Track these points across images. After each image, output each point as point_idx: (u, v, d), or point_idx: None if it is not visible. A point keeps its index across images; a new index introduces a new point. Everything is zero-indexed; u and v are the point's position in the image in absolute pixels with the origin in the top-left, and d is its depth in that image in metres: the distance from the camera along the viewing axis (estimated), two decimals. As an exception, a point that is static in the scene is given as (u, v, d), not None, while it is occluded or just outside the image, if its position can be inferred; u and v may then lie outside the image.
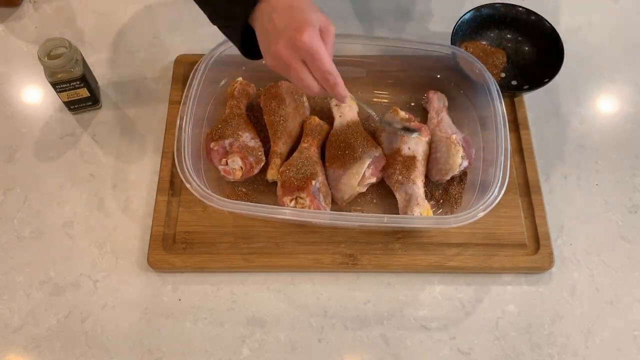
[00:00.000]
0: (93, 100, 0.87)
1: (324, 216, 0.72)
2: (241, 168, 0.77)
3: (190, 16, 0.99)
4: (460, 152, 0.76)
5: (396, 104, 0.86)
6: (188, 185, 0.72)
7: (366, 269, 0.76)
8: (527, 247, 0.77)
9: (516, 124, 0.86)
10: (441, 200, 0.80)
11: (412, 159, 0.77)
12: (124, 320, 0.74)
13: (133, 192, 0.82)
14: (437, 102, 0.84)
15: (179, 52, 0.92)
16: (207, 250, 0.77)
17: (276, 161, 0.79)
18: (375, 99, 0.88)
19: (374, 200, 0.80)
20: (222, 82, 0.87)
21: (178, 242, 0.77)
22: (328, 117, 0.83)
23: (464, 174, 0.81)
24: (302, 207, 0.73)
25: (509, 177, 0.81)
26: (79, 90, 0.84)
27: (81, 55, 0.83)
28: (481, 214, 0.70)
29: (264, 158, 0.79)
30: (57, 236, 0.79)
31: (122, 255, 0.78)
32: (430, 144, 0.80)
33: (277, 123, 0.81)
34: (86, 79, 0.83)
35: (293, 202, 0.74)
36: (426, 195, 0.78)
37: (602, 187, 0.83)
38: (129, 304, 0.75)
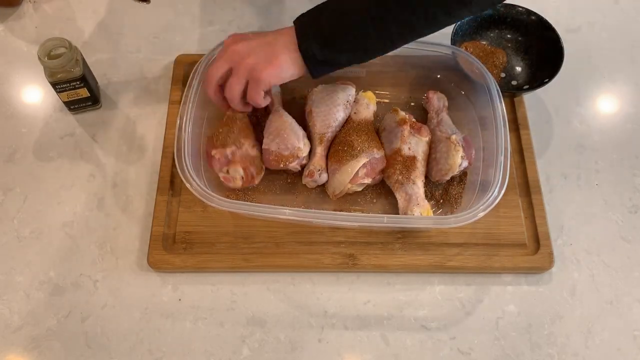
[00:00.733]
0: (93, 100, 0.87)
1: (324, 216, 0.72)
2: (242, 178, 0.77)
3: (190, 16, 0.99)
4: (460, 153, 0.76)
5: (396, 104, 0.86)
6: (188, 185, 0.72)
7: (366, 269, 0.76)
8: (527, 247, 0.77)
9: (516, 124, 0.86)
10: (441, 200, 0.80)
11: (412, 159, 0.77)
12: (124, 320, 0.74)
13: (133, 192, 0.82)
14: (437, 102, 0.84)
15: (179, 52, 0.92)
16: (207, 250, 0.77)
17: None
18: (377, 99, 0.87)
19: (374, 200, 0.80)
20: None
21: (178, 242, 0.78)
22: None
23: (464, 174, 0.81)
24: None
25: (509, 177, 0.81)
26: (79, 90, 0.84)
27: (81, 55, 0.83)
28: (481, 214, 0.70)
29: (264, 167, 0.79)
30: (57, 236, 0.79)
31: (122, 255, 0.78)
32: (430, 144, 0.80)
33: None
34: (86, 79, 0.83)
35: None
36: (426, 195, 0.78)
37: (602, 187, 0.83)
38: (129, 304, 0.75)
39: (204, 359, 0.72)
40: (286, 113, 0.81)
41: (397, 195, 0.77)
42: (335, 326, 0.74)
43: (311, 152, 0.80)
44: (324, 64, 0.70)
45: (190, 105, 0.77)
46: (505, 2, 0.76)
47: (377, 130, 0.83)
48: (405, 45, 0.82)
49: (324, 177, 0.78)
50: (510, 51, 0.93)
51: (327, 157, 0.80)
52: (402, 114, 0.80)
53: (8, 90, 0.92)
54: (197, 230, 0.78)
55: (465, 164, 0.77)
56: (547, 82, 0.84)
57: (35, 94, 0.91)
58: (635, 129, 0.89)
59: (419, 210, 0.75)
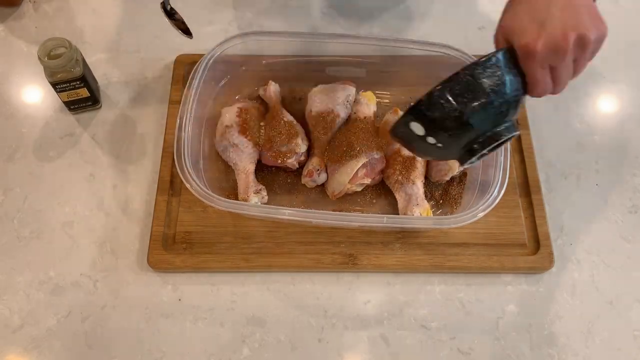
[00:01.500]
0: (93, 100, 0.87)
1: (324, 216, 0.72)
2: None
3: (191, 16, 0.99)
4: None
5: (397, 104, 0.86)
6: (188, 186, 0.72)
7: (366, 269, 0.76)
8: (527, 247, 0.77)
9: (516, 124, 0.86)
10: (441, 201, 0.80)
11: (412, 159, 0.77)
12: (124, 320, 0.74)
13: (133, 192, 0.82)
14: None
15: (179, 52, 0.92)
16: (207, 250, 0.77)
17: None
18: (377, 99, 0.88)
19: (374, 201, 0.80)
20: (222, 82, 0.87)
21: (178, 242, 0.78)
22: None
23: (463, 174, 0.81)
24: None
25: (509, 177, 0.81)
26: (79, 90, 0.84)
27: (81, 55, 0.83)
28: (481, 214, 0.70)
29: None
30: (57, 236, 0.79)
31: (122, 255, 0.78)
32: None
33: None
34: (86, 79, 0.83)
35: None
36: (426, 196, 0.78)
37: (602, 187, 0.83)
38: (129, 304, 0.75)
39: (204, 359, 0.72)
40: (284, 110, 0.82)
41: (397, 196, 0.77)
42: (335, 326, 0.74)
43: (310, 152, 0.81)
44: None
45: (190, 105, 0.77)
46: None
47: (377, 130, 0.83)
48: (406, 45, 0.82)
49: (323, 176, 0.79)
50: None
51: (326, 157, 0.80)
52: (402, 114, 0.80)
53: (8, 90, 0.92)
54: (197, 230, 0.78)
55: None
56: None
57: (35, 94, 0.91)
58: (635, 129, 0.89)
59: (419, 211, 0.75)
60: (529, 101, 0.88)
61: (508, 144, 0.75)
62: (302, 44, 0.85)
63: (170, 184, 0.81)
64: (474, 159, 0.62)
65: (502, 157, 0.74)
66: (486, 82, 0.58)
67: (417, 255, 0.76)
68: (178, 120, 0.76)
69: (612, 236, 0.80)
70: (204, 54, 0.81)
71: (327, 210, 0.76)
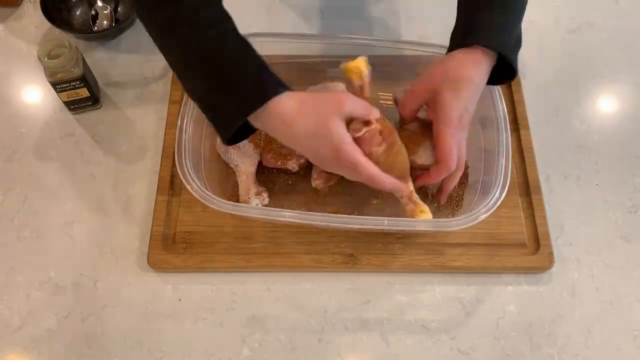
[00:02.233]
0: (93, 100, 0.87)
1: (324, 219, 0.71)
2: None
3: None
4: None
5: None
6: (188, 187, 0.71)
7: (366, 269, 0.76)
8: (527, 247, 0.77)
9: (516, 124, 0.86)
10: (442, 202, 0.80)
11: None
12: (124, 320, 0.74)
13: (133, 192, 0.82)
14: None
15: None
16: (207, 250, 0.77)
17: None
18: (381, 101, 0.88)
19: (374, 202, 0.80)
20: None
21: (178, 242, 0.78)
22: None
23: (464, 175, 0.80)
24: None
25: (509, 177, 0.81)
26: (79, 90, 0.84)
27: (81, 55, 0.83)
28: (482, 217, 0.70)
29: None
30: (57, 236, 0.79)
31: (122, 256, 0.78)
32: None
33: None
34: (86, 79, 0.83)
35: None
36: (426, 197, 0.78)
37: (602, 187, 0.83)
38: (129, 304, 0.75)
39: (204, 359, 0.72)
40: None
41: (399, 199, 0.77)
42: (335, 326, 0.74)
43: None
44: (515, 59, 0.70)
45: (191, 106, 0.77)
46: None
47: None
48: (406, 47, 0.82)
49: (334, 178, 0.78)
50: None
51: None
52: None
53: (8, 90, 0.92)
54: (197, 230, 0.78)
55: None
56: None
57: (35, 94, 0.91)
58: (635, 129, 0.89)
59: (418, 212, 0.74)
60: (529, 100, 0.89)
61: (509, 147, 0.75)
62: (303, 45, 0.85)
63: (170, 184, 0.80)
64: None
65: (503, 160, 0.73)
66: None
67: (418, 256, 0.76)
68: (179, 121, 0.76)
69: (612, 236, 0.80)
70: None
71: (328, 212, 0.76)
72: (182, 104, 0.77)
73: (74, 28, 0.96)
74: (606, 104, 0.92)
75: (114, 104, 0.90)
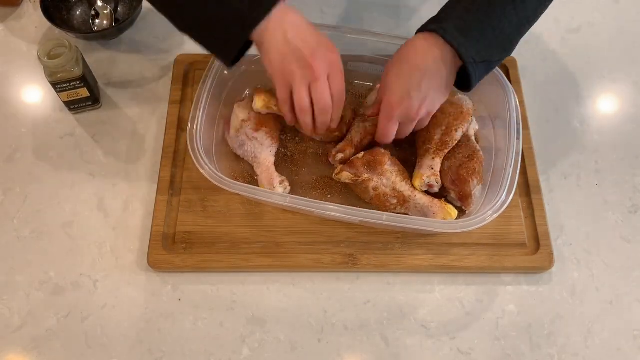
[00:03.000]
0: (93, 100, 0.87)
1: (324, 207, 0.71)
2: None
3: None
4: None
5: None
6: (203, 171, 0.72)
7: (366, 269, 0.76)
8: (527, 247, 0.77)
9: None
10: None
11: (394, 190, 0.77)
12: (124, 320, 0.74)
13: (133, 192, 0.82)
14: None
15: (178, 52, 0.92)
16: (207, 250, 0.77)
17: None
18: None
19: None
20: (230, 83, 0.85)
21: (178, 242, 0.78)
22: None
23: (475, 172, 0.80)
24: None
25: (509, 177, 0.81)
26: (79, 90, 0.84)
27: (81, 55, 0.83)
28: (489, 219, 0.70)
29: None
30: (57, 236, 0.79)
31: (122, 255, 0.78)
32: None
33: None
34: (86, 79, 0.83)
35: None
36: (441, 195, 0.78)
37: (602, 187, 0.83)
38: (129, 304, 0.75)
39: (204, 359, 0.72)
40: None
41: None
42: (335, 326, 0.74)
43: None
44: (481, 68, 0.69)
45: (205, 98, 0.78)
46: None
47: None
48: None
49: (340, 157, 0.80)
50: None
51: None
52: (346, 176, 0.77)
53: (8, 90, 0.92)
54: (197, 230, 0.78)
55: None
56: None
57: (35, 94, 0.91)
58: (635, 129, 0.89)
59: (440, 217, 0.74)
60: (529, 100, 0.89)
61: (520, 148, 0.75)
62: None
63: (170, 184, 0.81)
64: None
65: (513, 162, 0.73)
66: None
67: (418, 255, 0.76)
68: (192, 112, 0.76)
69: (612, 236, 0.80)
70: (204, 53, 0.80)
71: (330, 203, 0.75)
72: (201, 83, 0.78)
73: (74, 28, 0.96)
74: (606, 104, 0.92)
75: (114, 104, 0.90)
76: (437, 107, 0.73)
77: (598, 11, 1.01)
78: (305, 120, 0.71)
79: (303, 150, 0.84)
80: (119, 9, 0.98)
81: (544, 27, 0.99)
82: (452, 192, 0.77)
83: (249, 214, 0.79)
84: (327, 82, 0.69)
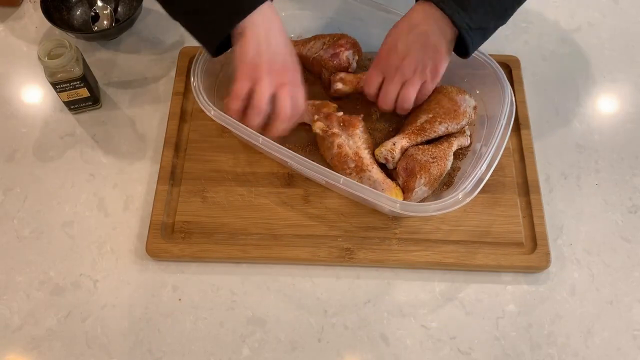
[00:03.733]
0: (93, 100, 0.87)
1: (292, 157, 0.72)
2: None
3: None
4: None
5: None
6: (209, 114, 0.75)
7: (362, 263, 0.76)
8: (525, 246, 0.77)
9: (517, 124, 0.86)
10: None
11: (355, 154, 0.77)
12: (124, 320, 0.74)
13: (133, 192, 0.82)
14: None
15: (178, 52, 0.92)
16: (206, 240, 0.77)
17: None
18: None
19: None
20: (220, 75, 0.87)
21: (177, 232, 0.78)
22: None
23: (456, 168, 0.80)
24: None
25: (508, 177, 0.81)
26: (79, 90, 0.84)
27: (81, 55, 0.83)
28: (432, 213, 0.70)
29: None
30: (57, 236, 0.79)
31: (122, 255, 0.78)
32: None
33: None
34: (86, 79, 0.83)
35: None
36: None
37: (602, 187, 0.83)
38: (129, 304, 0.75)
39: (204, 359, 0.72)
40: None
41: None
42: (335, 326, 0.74)
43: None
44: (477, 34, 0.71)
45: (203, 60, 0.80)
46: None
47: None
48: None
49: (339, 87, 0.84)
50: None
51: None
52: (319, 125, 0.79)
53: (8, 90, 0.92)
54: (196, 220, 0.79)
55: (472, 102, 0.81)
56: None
57: (35, 94, 0.91)
58: (635, 129, 0.89)
59: (388, 193, 0.74)
60: (529, 100, 0.89)
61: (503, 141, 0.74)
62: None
63: (171, 174, 0.81)
64: None
65: (490, 155, 0.73)
66: None
67: (414, 252, 0.76)
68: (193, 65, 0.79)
69: (612, 236, 0.80)
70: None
71: (304, 157, 0.74)
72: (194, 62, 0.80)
73: (74, 28, 0.96)
74: (606, 104, 0.92)
75: (114, 104, 0.90)
76: (427, 68, 0.74)
77: (598, 11, 1.01)
78: (256, 120, 0.73)
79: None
80: (119, 9, 0.98)
81: (544, 27, 0.99)
82: (399, 178, 0.78)
83: (248, 206, 0.80)
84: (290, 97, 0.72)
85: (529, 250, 0.77)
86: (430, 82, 0.76)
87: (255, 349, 0.72)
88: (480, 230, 0.78)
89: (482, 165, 0.72)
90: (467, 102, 0.80)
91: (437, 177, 0.77)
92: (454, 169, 0.81)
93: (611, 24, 1.00)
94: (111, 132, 0.87)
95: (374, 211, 0.79)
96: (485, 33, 0.72)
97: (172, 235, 0.78)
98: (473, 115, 0.81)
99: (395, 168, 0.78)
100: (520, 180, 0.82)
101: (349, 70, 0.86)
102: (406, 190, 0.76)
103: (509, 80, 0.84)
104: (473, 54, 0.75)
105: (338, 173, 0.73)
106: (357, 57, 0.87)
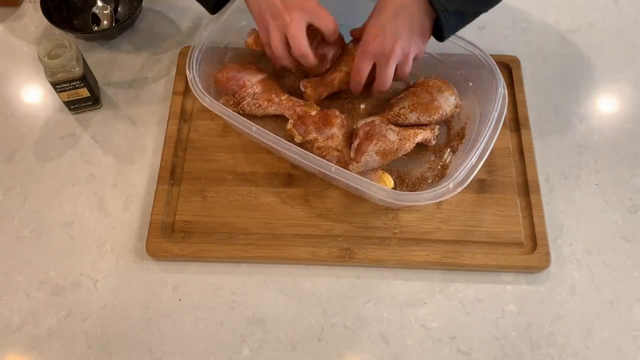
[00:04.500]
0: (93, 100, 0.87)
1: (284, 145, 0.72)
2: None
3: (191, 16, 0.99)
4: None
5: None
6: (204, 103, 0.75)
7: (362, 263, 0.76)
8: (524, 246, 0.77)
9: (517, 124, 0.86)
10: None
11: (335, 148, 0.78)
12: (124, 320, 0.74)
13: (133, 191, 0.82)
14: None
15: (178, 52, 0.92)
16: (205, 239, 0.77)
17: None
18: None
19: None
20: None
21: (177, 231, 0.78)
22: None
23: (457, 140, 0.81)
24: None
25: (508, 177, 0.82)
26: (79, 90, 0.84)
27: (81, 55, 0.83)
28: (423, 202, 0.70)
29: None
30: (57, 236, 0.79)
31: (122, 255, 0.78)
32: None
33: None
34: (86, 79, 0.83)
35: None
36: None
37: (602, 187, 0.83)
38: (129, 304, 0.75)
39: (204, 359, 0.72)
40: None
41: None
42: (335, 326, 0.74)
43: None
44: (453, 17, 0.71)
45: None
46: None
47: None
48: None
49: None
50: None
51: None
52: (296, 137, 0.79)
53: (8, 90, 0.92)
54: (196, 219, 0.79)
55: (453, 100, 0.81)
56: None
57: (35, 94, 0.91)
58: (635, 129, 0.89)
59: (377, 182, 0.75)
60: (529, 100, 0.89)
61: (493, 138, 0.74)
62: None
63: (171, 174, 0.81)
64: None
65: (479, 150, 0.72)
66: None
67: (413, 251, 0.76)
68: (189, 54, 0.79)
69: (612, 236, 0.80)
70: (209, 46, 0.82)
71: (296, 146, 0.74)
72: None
73: (74, 28, 0.96)
74: (606, 104, 0.92)
75: (114, 104, 0.90)
76: (414, 51, 0.74)
77: (598, 11, 1.01)
78: (284, 62, 0.76)
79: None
80: (119, 9, 0.98)
81: (544, 27, 0.99)
82: (355, 140, 0.78)
83: (248, 206, 0.80)
84: (302, 29, 0.72)
85: (529, 250, 0.77)
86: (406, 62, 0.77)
87: (255, 349, 0.72)
88: (480, 230, 0.78)
89: (473, 157, 0.72)
90: (446, 99, 0.81)
91: (391, 153, 0.77)
92: (445, 165, 0.81)
93: (611, 24, 1.00)
94: (111, 132, 0.87)
95: (373, 211, 0.79)
96: (463, 17, 0.72)
97: (172, 235, 0.78)
98: (449, 112, 0.81)
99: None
100: (520, 180, 0.82)
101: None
102: (357, 153, 0.77)
103: (509, 80, 0.85)
104: (476, 54, 0.76)
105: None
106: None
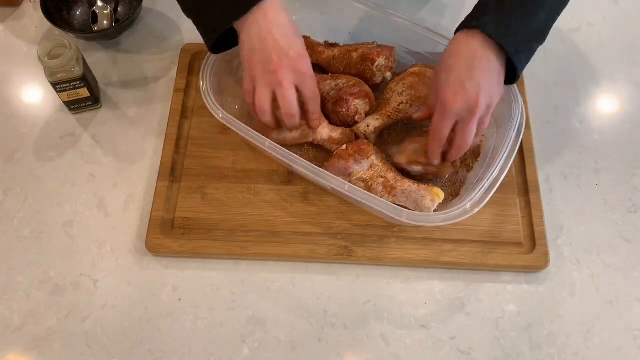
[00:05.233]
0: (93, 100, 0.87)
1: (303, 165, 0.73)
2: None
3: (190, 16, 0.99)
4: None
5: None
6: (217, 117, 0.76)
7: (361, 261, 0.76)
8: (524, 245, 0.77)
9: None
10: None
11: (378, 177, 0.77)
12: (124, 320, 0.74)
13: (133, 191, 0.82)
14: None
15: (178, 52, 0.92)
16: (205, 236, 0.77)
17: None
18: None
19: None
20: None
21: (176, 228, 0.78)
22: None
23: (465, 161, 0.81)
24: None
25: (508, 176, 0.81)
26: (79, 90, 0.84)
27: (81, 55, 0.83)
28: (440, 223, 0.70)
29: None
30: (57, 236, 0.79)
31: (122, 255, 0.78)
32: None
33: None
34: (86, 79, 0.83)
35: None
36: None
37: (602, 187, 0.83)
38: (129, 304, 0.75)
39: (204, 359, 0.72)
40: None
41: None
42: (335, 326, 0.74)
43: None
44: (524, 55, 0.69)
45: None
46: None
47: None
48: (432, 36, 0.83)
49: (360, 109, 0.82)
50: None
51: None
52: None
53: (8, 90, 0.92)
54: (195, 216, 0.79)
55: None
56: None
57: (35, 94, 0.91)
58: (635, 129, 0.89)
59: (429, 199, 0.74)
60: (529, 100, 0.89)
61: (517, 148, 0.74)
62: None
63: (171, 171, 0.81)
64: None
65: (504, 157, 0.73)
66: None
67: (412, 250, 0.76)
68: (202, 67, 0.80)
69: (612, 236, 0.80)
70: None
71: (309, 162, 0.74)
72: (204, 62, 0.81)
73: (74, 28, 0.96)
74: (606, 104, 0.92)
75: (114, 104, 0.90)
76: (495, 100, 0.69)
77: (598, 11, 1.01)
78: (264, 118, 0.74)
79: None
80: (119, 9, 0.98)
81: (544, 27, 0.99)
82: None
83: (247, 203, 0.80)
84: (293, 89, 0.71)
85: (528, 250, 0.77)
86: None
87: (255, 349, 0.72)
88: (479, 229, 0.78)
89: (490, 177, 0.72)
90: None
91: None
92: (461, 181, 0.81)
93: (611, 24, 1.00)
94: (111, 132, 0.87)
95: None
96: (530, 54, 0.70)
97: (172, 231, 0.78)
98: None
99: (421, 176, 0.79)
100: (520, 180, 0.82)
101: (356, 119, 0.82)
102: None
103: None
104: None
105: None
106: (367, 109, 0.83)
